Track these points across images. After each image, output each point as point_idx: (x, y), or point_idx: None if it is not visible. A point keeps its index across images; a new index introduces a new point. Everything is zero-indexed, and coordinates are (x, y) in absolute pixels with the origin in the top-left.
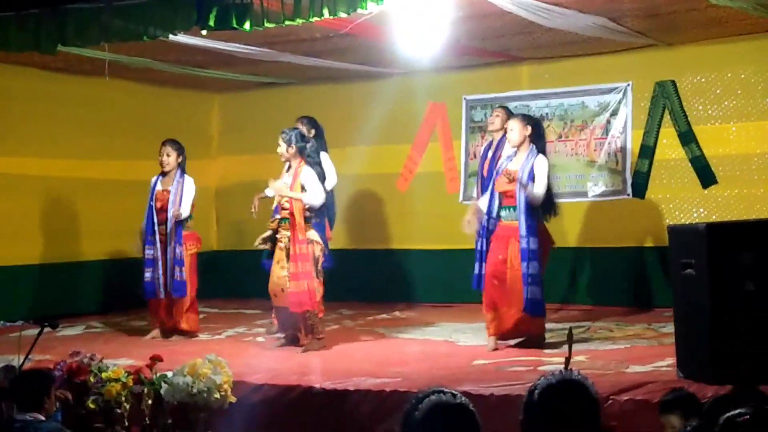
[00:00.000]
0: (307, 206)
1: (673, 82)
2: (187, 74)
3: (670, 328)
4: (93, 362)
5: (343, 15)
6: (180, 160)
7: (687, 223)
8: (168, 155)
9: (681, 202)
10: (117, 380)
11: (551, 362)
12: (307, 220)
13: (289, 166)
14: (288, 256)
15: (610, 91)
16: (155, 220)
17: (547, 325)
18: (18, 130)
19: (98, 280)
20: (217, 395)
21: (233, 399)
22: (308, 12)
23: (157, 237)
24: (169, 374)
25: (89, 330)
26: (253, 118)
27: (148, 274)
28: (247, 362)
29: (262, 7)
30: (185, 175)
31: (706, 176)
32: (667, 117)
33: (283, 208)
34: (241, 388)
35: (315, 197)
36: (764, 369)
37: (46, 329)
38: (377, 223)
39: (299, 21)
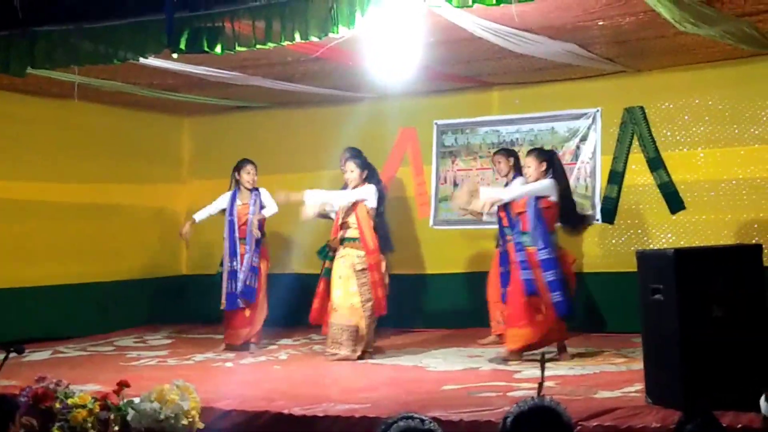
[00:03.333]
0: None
1: (642, 109)
2: (158, 97)
3: (639, 353)
4: (59, 388)
5: (314, 39)
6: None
7: (655, 248)
8: (250, 173)
9: (649, 228)
10: (83, 406)
11: (520, 387)
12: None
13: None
14: (356, 272)
15: (579, 116)
16: (236, 235)
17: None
18: None
19: (66, 304)
20: (185, 421)
21: (201, 425)
22: (280, 36)
23: (238, 250)
24: (136, 400)
25: (56, 355)
26: (224, 142)
27: (229, 286)
28: (216, 388)
29: (234, 30)
30: (260, 189)
31: (674, 202)
32: (635, 143)
33: (348, 227)
34: (209, 413)
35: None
36: (733, 395)
37: (12, 354)
38: None
39: (270, 45)
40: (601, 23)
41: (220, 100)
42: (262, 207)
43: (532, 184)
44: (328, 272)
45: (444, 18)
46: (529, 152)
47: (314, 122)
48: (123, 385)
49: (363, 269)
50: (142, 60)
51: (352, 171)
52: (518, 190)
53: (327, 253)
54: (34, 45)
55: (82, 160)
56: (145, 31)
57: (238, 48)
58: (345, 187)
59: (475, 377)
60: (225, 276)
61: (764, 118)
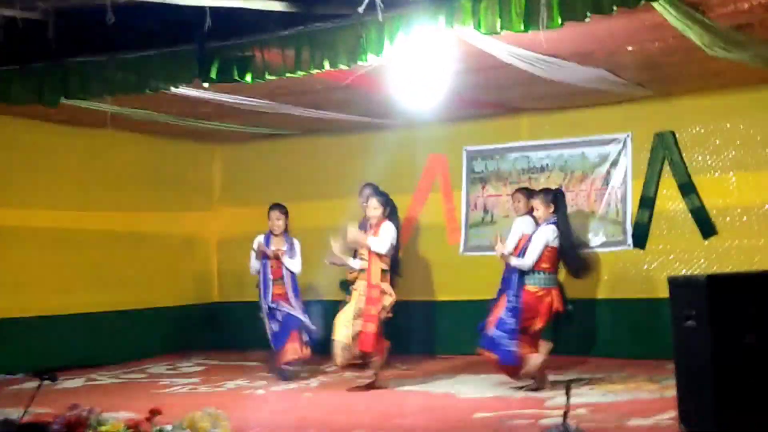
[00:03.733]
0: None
1: (673, 133)
2: (189, 126)
3: (672, 380)
4: (92, 415)
5: (343, 67)
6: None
7: (687, 273)
8: (272, 219)
9: (681, 253)
10: None
11: (551, 415)
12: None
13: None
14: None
15: (609, 142)
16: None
17: (551, 378)
18: (19, 182)
19: (99, 332)
20: None
21: None
22: (309, 64)
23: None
24: (168, 427)
25: (89, 382)
26: (254, 170)
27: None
28: (247, 415)
29: (264, 59)
30: (294, 240)
31: (706, 227)
32: (666, 167)
33: (362, 258)
34: None
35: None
36: (766, 421)
37: (46, 382)
38: None
39: (300, 73)
40: (630, 48)
41: (250, 128)
42: (291, 256)
43: (535, 242)
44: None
45: (473, 45)
46: (536, 194)
47: (344, 149)
48: (155, 412)
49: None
50: (173, 89)
51: (376, 208)
52: (532, 252)
53: (347, 286)
54: (68, 76)
55: (115, 189)
56: (176, 61)
57: (268, 76)
58: (365, 221)
59: (506, 405)
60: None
61: None
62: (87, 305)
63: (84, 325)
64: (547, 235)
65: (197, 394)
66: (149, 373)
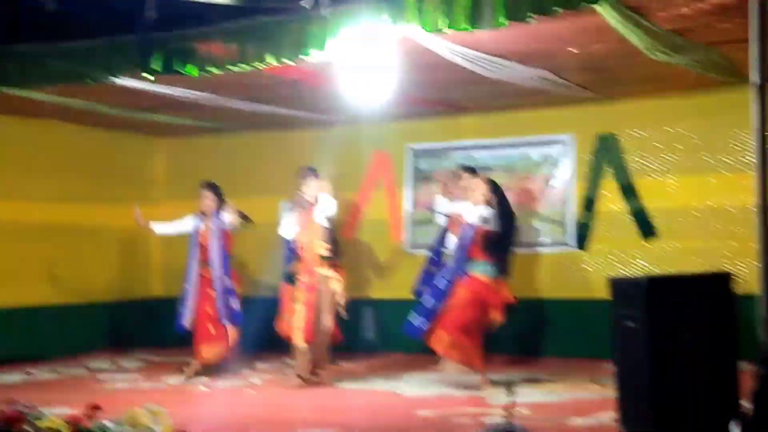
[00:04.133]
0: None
1: (614, 136)
2: (132, 118)
3: (612, 380)
4: (30, 411)
5: (287, 61)
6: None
7: (628, 275)
8: (206, 198)
9: (622, 254)
10: (54, 429)
11: (495, 413)
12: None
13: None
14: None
15: (553, 143)
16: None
17: (492, 377)
18: None
19: (36, 326)
20: None
21: None
22: (252, 58)
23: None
24: (109, 423)
25: (27, 377)
26: (197, 164)
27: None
28: (188, 412)
29: (207, 51)
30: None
31: (646, 229)
32: (608, 169)
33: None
34: None
35: None
36: (704, 422)
37: None
38: None
39: (244, 67)
40: (573, 50)
41: (193, 121)
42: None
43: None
44: None
45: (417, 42)
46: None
47: (288, 145)
48: (95, 408)
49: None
50: (115, 80)
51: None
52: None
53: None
54: (7, 63)
55: (54, 180)
56: (118, 52)
57: (211, 69)
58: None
59: (450, 402)
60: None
61: (735, 147)
62: (25, 298)
63: (22, 319)
64: (485, 213)
65: (138, 390)
66: (89, 369)
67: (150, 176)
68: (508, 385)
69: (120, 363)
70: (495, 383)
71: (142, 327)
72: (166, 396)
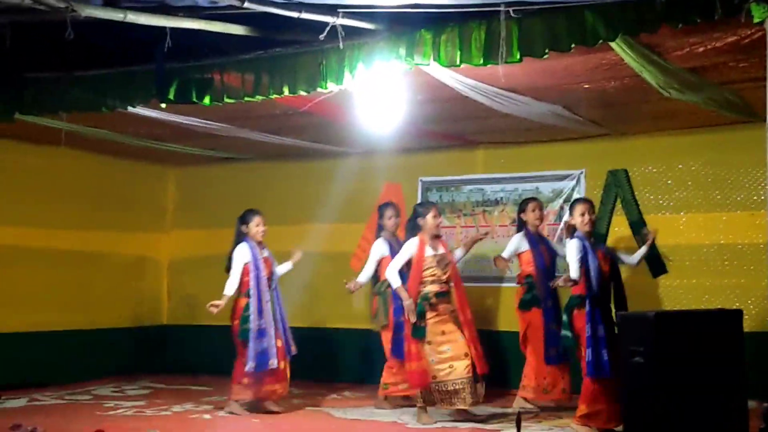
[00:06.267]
0: None
1: (626, 171)
2: (144, 147)
3: None
4: None
5: (303, 93)
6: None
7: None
8: (260, 225)
9: (631, 291)
10: None
11: None
12: None
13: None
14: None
15: (564, 177)
16: (264, 290)
17: (497, 410)
18: None
19: (45, 352)
20: None
21: None
22: (268, 89)
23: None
24: None
25: (33, 402)
26: (208, 193)
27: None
28: None
29: (222, 82)
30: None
31: (656, 265)
32: (618, 205)
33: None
34: None
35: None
36: None
37: None
38: (330, 302)
39: (259, 98)
40: (586, 86)
41: (206, 150)
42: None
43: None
44: None
45: (431, 76)
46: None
47: (300, 176)
48: None
49: None
50: (130, 109)
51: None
52: None
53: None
54: (24, 91)
55: (67, 207)
56: (134, 81)
57: (226, 100)
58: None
59: None
60: (253, 335)
61: (746, 185)
62: (33, 324)
63: (29, 345)
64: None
65: (142, 417)
66: (94, 395)
67: (161, 204)
68: (517, 418)
69: (126, 390)
70: (503, 416)
71: (150, 354)
72: (169, 423)
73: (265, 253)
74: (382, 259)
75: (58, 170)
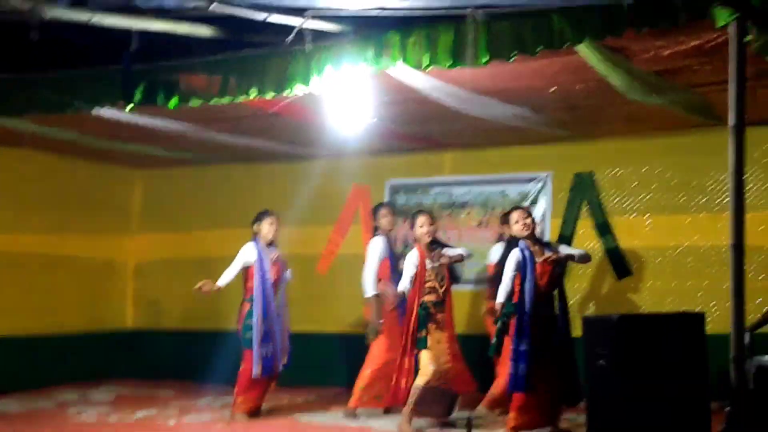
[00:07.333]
0: None
1: (591, 174)
2: (109, 148)
3: (584, 418)
4: None
5: (270, 96)
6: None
7: (601, 314)
8: (273, 224)
9: (596, 293)
10: None
11: None
12: None
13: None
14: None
15: (530, 180)
16: (270, 294)
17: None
18: None
19: (6, 358)
20: None
21: None
22: (235, 91)
23: (273, 311)
24: None
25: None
26: (175, 196)
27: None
28: None
29: (190, 84)
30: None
31: (621, 267)
32: (584, 208)
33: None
34: None
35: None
36: None
37: None
38: (296, 305)
39: (226, 100)
40: (552, 89)
41: (173, 153)
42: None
43: None
44: None
45: (398, 78)
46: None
47: (267, 178)
48: None
49: None
50: (96, 111)
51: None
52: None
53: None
54: None
55: (30, 210)
56: (100, 82)
57: (193, 102)
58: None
59: None
60: (258, 339)
61: (710, 188)
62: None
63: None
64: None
65: (106, 424)
66: (58, 401)
67: (127, 207)
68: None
69: (90, 396)
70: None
71: (116, 359)
72: (133, 430)
73: (275, 256)
74: (383, 261)
75: (21, 172)
